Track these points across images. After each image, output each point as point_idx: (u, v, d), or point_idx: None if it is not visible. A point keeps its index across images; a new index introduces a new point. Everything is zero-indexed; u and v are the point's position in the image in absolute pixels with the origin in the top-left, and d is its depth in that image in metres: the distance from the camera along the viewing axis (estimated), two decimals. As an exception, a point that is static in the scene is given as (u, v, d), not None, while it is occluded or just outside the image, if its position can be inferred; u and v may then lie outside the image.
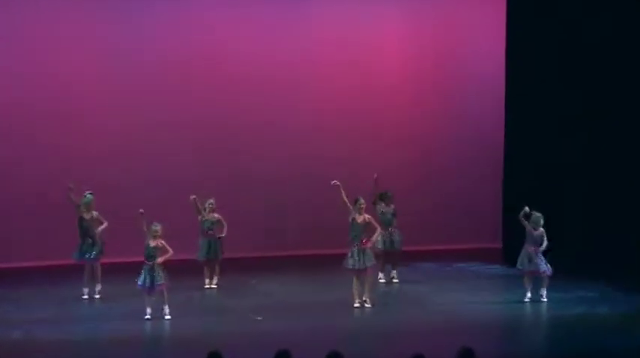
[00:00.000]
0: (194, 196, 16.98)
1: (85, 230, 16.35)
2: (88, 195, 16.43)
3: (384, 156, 20.41)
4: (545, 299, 15.82)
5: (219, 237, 17.23)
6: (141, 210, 14.72)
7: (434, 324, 14.61)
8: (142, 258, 14.90)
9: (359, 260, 15.35)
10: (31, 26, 19.28)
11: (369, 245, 15.49)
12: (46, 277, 17.96)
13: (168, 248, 14.90)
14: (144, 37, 19.91)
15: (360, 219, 15.38)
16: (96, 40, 19.63)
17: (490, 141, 20.89)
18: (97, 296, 16.34)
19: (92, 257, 16.32)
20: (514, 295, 16.33)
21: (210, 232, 17.23)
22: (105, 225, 16.30)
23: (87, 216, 16.36)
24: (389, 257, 17.69)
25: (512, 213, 16.58)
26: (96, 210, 16.41)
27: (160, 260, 14.72)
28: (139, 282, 14.77)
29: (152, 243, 14.78)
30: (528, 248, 15.86)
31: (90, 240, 16.30)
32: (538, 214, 15.75)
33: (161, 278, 14.74)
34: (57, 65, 19.39)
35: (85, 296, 16.31)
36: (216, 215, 17.24)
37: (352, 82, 20.58)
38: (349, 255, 15.40)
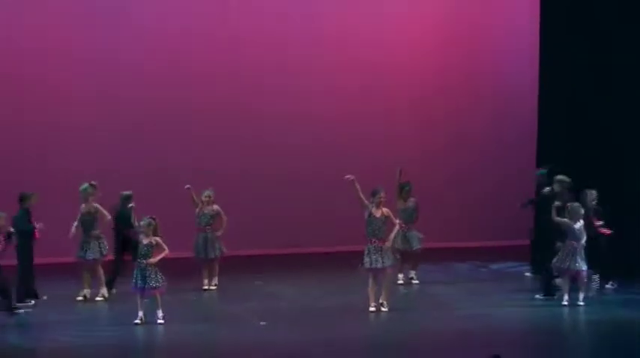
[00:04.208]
0: (189, 186, 16.62)
1: (82, 225, 15.89)
2: (83, 185, 15.98)
3: (409, 147, 20.57)
4: (582, 303, 15.25)
5: (217, 233, 16.82)
6: (130, 205, 14.76)
7: (458, 331, 14.03)
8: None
9: (376, 259, 14.83)
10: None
11: (387, 244, 14.97)
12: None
13: (163, 245, 14.42)
14: (146, 23, 20.11)
15: (378, 213, 14.91)
16: (92, 23, 19.84)
17: (523, 133, 20.76)
18: (85, 298, 16.00)
19: (87, 257, 15.85)
20: (550, 298, 15.82)
21: (207, 227, 16.76)
22: (107, 218, 15.92)
23: (83, 210, 15.92)
24: (407, 256, 17.23)
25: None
26: (98, 203, 16.14)
27: (152, 260, 14.22)
28: (132, 284, 14.36)
29: (145, 240, 14.28)
30: (567, 243, 15.26)
31: (86, 237, 15.88)
32: (576, 204, 15.32)
33: (154, 280, 14.27)
34: (45, 57, 19.53)
35: (80, 298, 15.91)
36: (215, 207, 16.78)
37: (373, 69, 20.83)
38: (366, 253, 14.90)
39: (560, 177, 15.80)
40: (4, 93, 19.29)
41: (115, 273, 16.27)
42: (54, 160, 19.30)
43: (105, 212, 15.87)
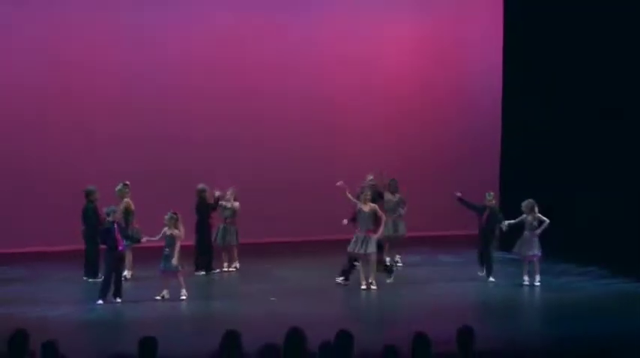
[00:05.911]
0: (218, 194, 17.54)
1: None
2: (118, 186, 16.72)
3: (394, 152, 21.01)
4: (538, 283, 16.16)
5: (235, 226, 17.62)
6: (145, 239, 15.55)
7: (435, 305, 14.86)
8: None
9: (360, 246, 15.78)
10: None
11: (377, 235, 15.93)
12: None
13: (182, 236, 15.27)
14: (156, 30, 20.20)
15: (366, 208, 15.96)
16: (106, 32, 19.94)
17: (488, 135, 21.18)
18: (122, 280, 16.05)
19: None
20: (512, 279, 16.70)
21: (228, 220, 17.62)
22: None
23: (121, 206, 16.56)
24: (394, 241, 18.06)
25: (510, 202, 17.37)
26: (128, 200, 16.78)
27: (174, 249, 15.13)
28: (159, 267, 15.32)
29: (168, 232, 15.25)
30: (524, 233, 16.27)
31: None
32: (530, 200, 16.16)
33: (173, 266, 15.06)
34: (65, 59, 19.60)
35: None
36: (236, 204, 17.57)
37: (355, 79, 21.32)
38: (353, 239, 15.93)
39: (371, 180, 16.93)
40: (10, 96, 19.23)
41: (209, 256, 17.04)
42: (57, 162, 19.37)
43: (124, 207, 16.23)
